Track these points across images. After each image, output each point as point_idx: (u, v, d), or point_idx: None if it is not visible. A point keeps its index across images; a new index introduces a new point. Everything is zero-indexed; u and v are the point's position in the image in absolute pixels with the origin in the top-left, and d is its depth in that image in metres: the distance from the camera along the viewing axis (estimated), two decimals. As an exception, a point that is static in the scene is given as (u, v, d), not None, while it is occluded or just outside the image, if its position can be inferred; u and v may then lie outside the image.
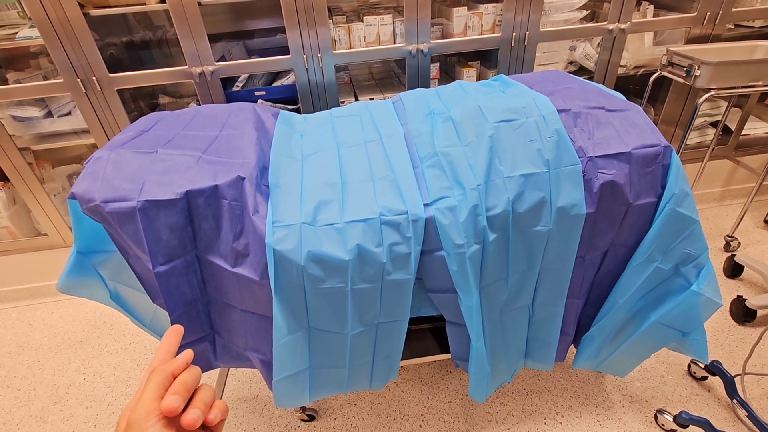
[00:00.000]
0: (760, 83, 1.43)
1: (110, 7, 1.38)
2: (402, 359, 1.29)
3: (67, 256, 0.99)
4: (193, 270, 0.93)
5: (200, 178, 0.86)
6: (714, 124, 2.05)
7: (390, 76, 1.92)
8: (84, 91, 1.44)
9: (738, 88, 1.45)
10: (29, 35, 1.36)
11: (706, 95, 1.45)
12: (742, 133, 2.04)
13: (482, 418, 1.30)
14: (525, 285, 1.04)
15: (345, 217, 0.89)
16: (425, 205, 0.91)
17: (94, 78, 1.42)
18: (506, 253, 0.97)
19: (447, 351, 1.27)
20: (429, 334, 1.35)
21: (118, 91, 1.47)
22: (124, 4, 1.38)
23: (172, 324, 0.93)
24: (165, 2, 1.33)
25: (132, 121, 1.57)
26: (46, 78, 1.58)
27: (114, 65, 1.47)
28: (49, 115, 1.58)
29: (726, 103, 1.88)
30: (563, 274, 1.02)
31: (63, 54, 1.37)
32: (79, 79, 1.42)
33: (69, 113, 1.59)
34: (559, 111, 0.98)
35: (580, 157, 0.92)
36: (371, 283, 0.90)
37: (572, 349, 1.24)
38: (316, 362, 1.00)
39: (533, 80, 1.19)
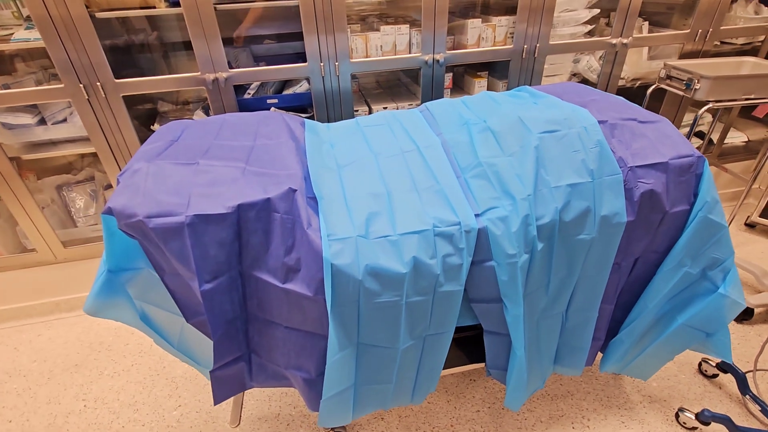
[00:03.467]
0: (752, 96, 1.53)
1: (117, 9, 1.31)
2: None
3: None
4: (235, 287, 0.88)
5: (251, 191, 0.82)
6: (698, 134, 2.19)
7: (398, 84, 1.92)
8: (86, 97, 1.35)
9: (733, 100, 1.55)
10: (27, 37, 1.27)
11: (706, 107, 1.54)
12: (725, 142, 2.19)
13: (511, 426, 1.30)
14: (563, 292, 1.05)
15: (398, 229, 0.87)
16: (476, 215, 0.91)
17: (98, 83, 1.34)
18: (549, 262, 0.98)
19: (473, 361, 1.27)
20: (454, 345, 1.35)
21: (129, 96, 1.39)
22: (132, 6, 1.31)
23: (214, 345, 0.88)
24: (179, 5, 1.28)
25: (137, 129, 1.49)
26: (38, 83, 1.47)
27: (114, 70, 1.39)
28: (43, 122, 1.47)
29: (711, 116, 2.01)
30: (600, 280, 1.04)
31: (65, 56, 1.28)
32: (81, 85, 1.33)
33: (65, 120, 1.49)
34: (598, 122, 1.01)
35: (620, 167, 0.95)
36: (424, 295, 0.89)
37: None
38: (362, 379, 0.97)
39: (559, 91, 1.22)
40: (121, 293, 0.93)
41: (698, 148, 2.04)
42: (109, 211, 0.80)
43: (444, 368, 1.28)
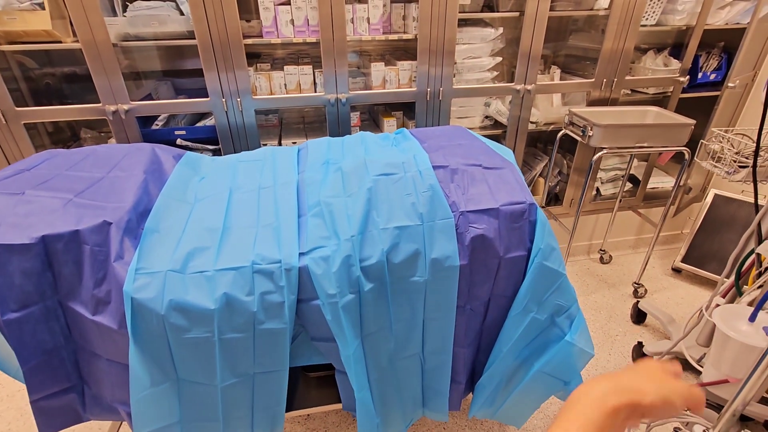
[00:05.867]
0: (645, 144, 1.57)
1: (23, 43, 1.38)
2: (304, 407, 1.26)
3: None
4: (54, 316, 0.89)
5: (62, 223, 0.84)
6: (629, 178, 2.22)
7: (321, 120, 1.98)
8: (-13, 123, 1.40)
9: (627, 147, 1.59)
10: (-69, 65, 1.33)
11: (600, 153, 1.58)
12: (652, 186, 2.21)
13: (381, 471, 1.26)
14: (411, 333, 1.05)
15: (217, 264, 0.89)
16: (301, 254, 0.92)
17: (-2, 111, 1.39)
18: (386, 303, 0.99)
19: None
20: (332, 381, 1.33)
21: (38, 123, 1.45)
22: (37, 40, 1.38)
23: (24, 373, 0.88)
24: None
25: (41, 154, 1.53)
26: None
27: (45, 96, 1.43)
28: (-48, 145, 1.52)
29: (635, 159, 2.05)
30: (446, 322, 1.04)
31: (-34, 86, 1.34)
32: (-18, 111, 1.38)
33: (-26, 144, 1.53)
34: (438, 167, 1.04)
35: (453, 212, 0.97)
36: (242, 332, 0.89)
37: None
38: (187, 415, 0.95)
39: (431, 135, 1.26)
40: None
41: (627, 192, 2.08)
42: None
43: (320, 405, 1.26)
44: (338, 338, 0.95)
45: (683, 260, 2.06)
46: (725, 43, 1.97)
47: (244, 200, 1.07)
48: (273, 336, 0.91)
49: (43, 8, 1.34)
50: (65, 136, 1.81)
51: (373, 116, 1.97)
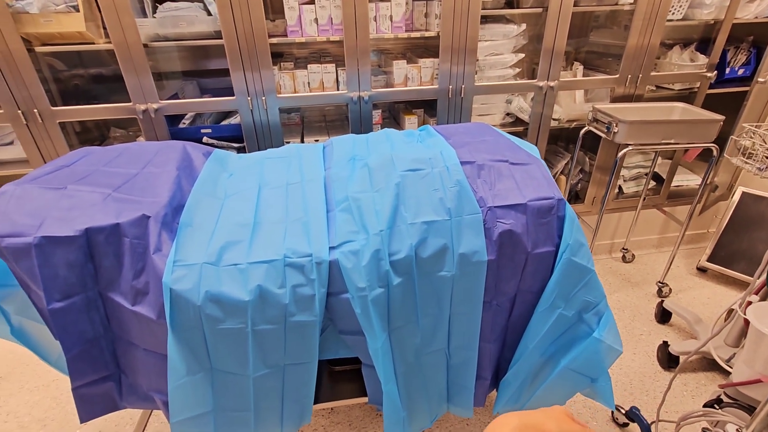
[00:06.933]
0: (672, 141, 1.55)
1: (57, 44, 1.43)
2: (329, 401, 1.28)
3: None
4: (95, 307, 0.92)
5: (103, 216, 0.87)
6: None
7: (342, 118, 2.00)
8: (25, 122, 1.45)
9: (653, 144, 1.56)
10: (-27, 67, 1.39)
11: (625, 150, 1.56)
12: (676, 184, 2.17)
13: (404, 465, 1.27)
14: (437, 328, 1.05)
15: (250, 257, 0.91)
16: (331, 248, 0.94)
17: (35, 110, 1.44)
18: (414, 297, 0.99)
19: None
20: (357, 376, 1.34)
21: (68, 122, 1.49)
22: (71, 41, 1.43)
23: (67, 361, 0.92)
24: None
25: (74, 152, 1.58)
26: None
27: (74, 96, 1.48)
28: (-10, 143, 1.58)
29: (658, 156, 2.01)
30: (473, 318, 1.04)
31: (5, 86, 1.39)
32: (20, 111, 1.43)
33: (11, 143, 1.60)
34: (465, 163, 1.04)
35: (480, 207, 0.97)
36: (274, 324, 0.91)
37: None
38: (219, 405, 0.98)
39: (455, 131, 1.27)
40: (-11, 307, 0.97)
41: (650, 190, 2.04)
42: (-30, 230, 0.86)
43: (345, 398, 1.28)
44: (367, 331, 0.96)
45: (709, 259, 2.01)
46: (755, 37, 1.92)
47: (272, 196, 1.09)
48: (303, 328, 0.93)
49: (78, 10, 1.39)
50: (93, 135, 1.86)
51: (393, 114, 1.98)
